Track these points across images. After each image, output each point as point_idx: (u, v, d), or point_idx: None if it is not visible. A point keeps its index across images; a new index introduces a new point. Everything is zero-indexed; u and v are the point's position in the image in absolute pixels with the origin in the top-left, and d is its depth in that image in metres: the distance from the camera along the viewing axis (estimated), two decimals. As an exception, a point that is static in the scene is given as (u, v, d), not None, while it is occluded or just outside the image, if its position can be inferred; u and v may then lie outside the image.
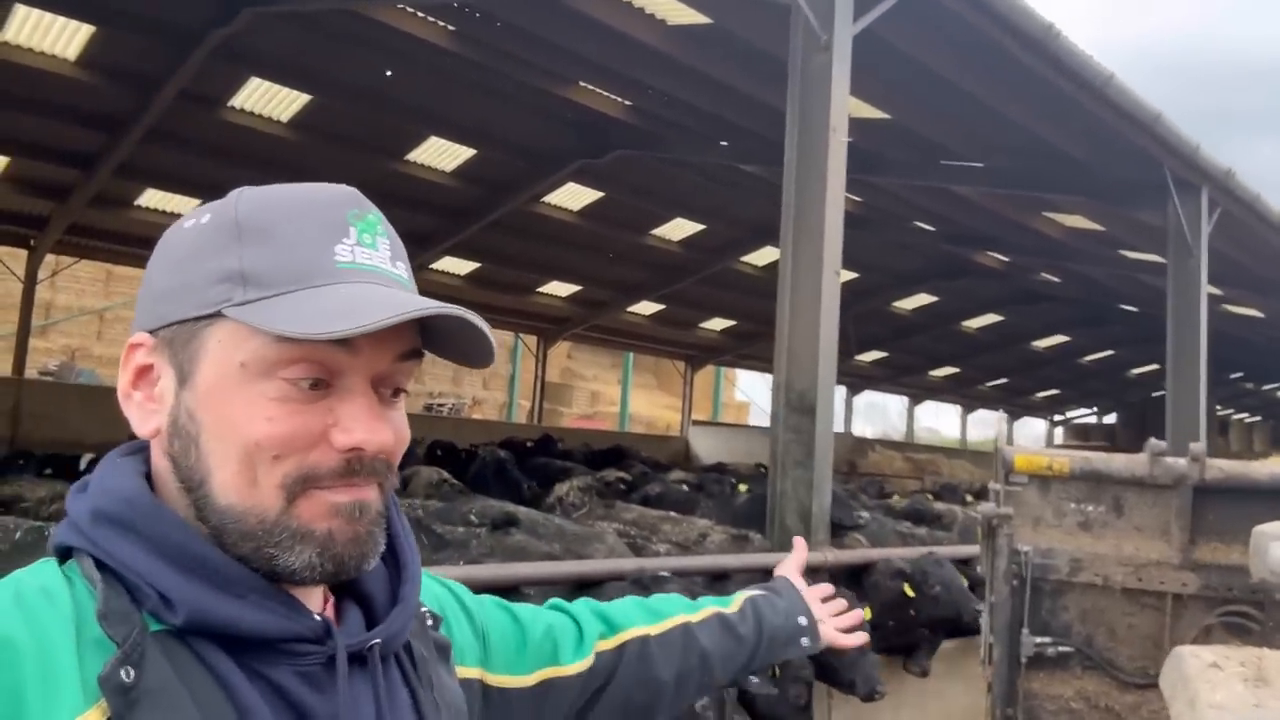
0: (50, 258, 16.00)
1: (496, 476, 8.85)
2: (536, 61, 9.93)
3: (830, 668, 4.26)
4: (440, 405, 25.12)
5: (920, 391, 31.08)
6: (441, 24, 9.46)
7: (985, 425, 36.46)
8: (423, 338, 0.87)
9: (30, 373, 17.11)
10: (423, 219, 15.09)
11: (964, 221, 14.23)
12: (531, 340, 22.58)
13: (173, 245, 0.85)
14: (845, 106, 5.18)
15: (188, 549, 0.77)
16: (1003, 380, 29.53)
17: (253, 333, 0.78)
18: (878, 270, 18.37)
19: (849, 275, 18.58)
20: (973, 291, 19.61)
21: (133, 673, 0.69)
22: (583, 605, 1.28)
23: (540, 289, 19.40)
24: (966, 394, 31.21)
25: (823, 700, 5.01)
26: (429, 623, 0.97)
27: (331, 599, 0.89)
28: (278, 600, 0.79)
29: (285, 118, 11.82)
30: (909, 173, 11.25)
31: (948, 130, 10.04)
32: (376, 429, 0.80)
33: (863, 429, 37.61)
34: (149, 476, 0.83)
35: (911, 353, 25.38)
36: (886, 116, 9.74)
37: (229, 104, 11.33)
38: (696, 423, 24.80)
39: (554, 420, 24.58)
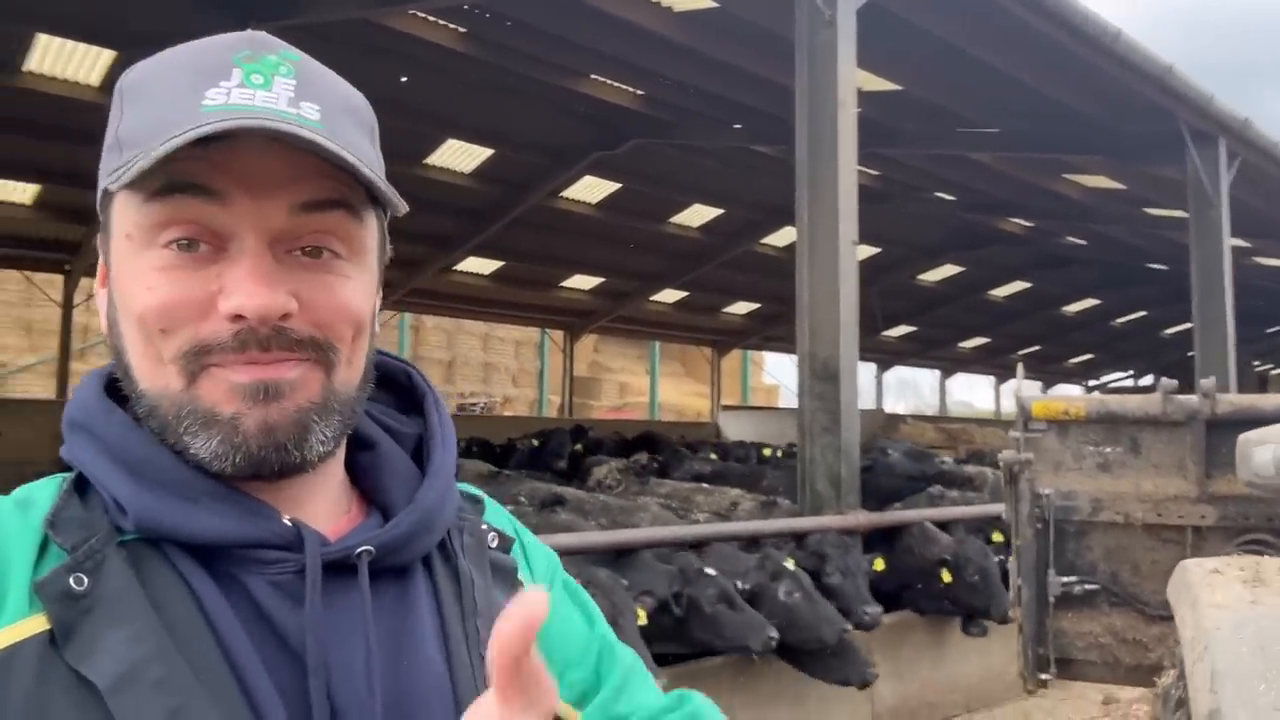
0: (86, 281, 16.40)
1: (532, 464, 9.03)
2: (547, 57, 10.07)
3: (823, 665, 4.31)
4: (472, 404, 25.41)
5: (951, 364, 30.88)
6: (452, 27, 9.62)
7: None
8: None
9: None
10: (444, 221, 15.30)
11: (984, 189, 14.18)
12: (558, 335, 22.80)
13: None
14: (853, 81, 5.28)
15: (134, 450, 0.73)
16: (1035, 348, 29.25)
17: (128, 199, 0.72)
18: (900, 243, 18.31)
19: (870, 250, 18.53)
20: (998, 259, 19.49)
21: (85, 580, 0.66)
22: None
23: (563, 283, 19.57)
24: (998, 364, 30.95)
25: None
26: (493, 543, 0.87)
27: (355, 506, 0.83)
28: (232, 503, 0.73)
29: (305, 130, 12.04)
30: (924, 142, 11.27)
31: (960, 97, 10.05)
32: (257, 292, 0.70)
33: (894, 405, 37.54)
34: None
35: (940, 325, 25.23)
36: (897, 87, 9.77)
37: (250, 119, 11.56)
38: (726, 408, 24.88)
39: (584, 413, 24.74)
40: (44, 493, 0.74)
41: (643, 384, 30.08)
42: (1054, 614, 3.29)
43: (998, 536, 4.86)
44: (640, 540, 3.81)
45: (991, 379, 33.45)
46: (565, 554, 3.80)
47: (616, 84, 11.03)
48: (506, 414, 24.26)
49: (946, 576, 4.86)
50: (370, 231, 0.79)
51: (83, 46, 9.61)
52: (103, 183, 0.73)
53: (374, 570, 0.76)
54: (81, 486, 0.74)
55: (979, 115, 10.49)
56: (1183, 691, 1.80)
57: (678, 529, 4.18)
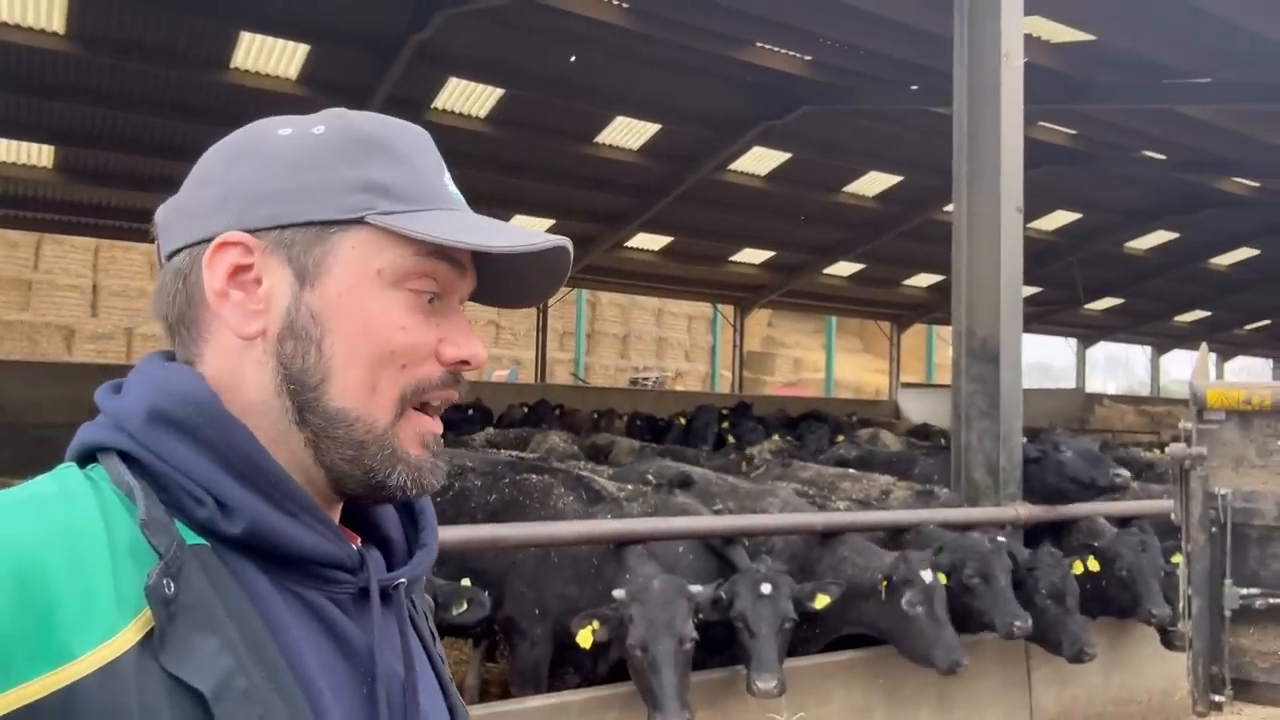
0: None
1: (684, 442, 8.99)
2: (711, 28, 9.91)
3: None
4: (644, 379, 25.71)
5: (1165, 340, 28.30)
6: (616, 3, 9.64)
7: (1249, 374, 32.71)
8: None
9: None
10: (614, 198, 15.48)
11: (1199, 146, 12.78)
12: (729, 310, 22.62)
13: (278, 149, 0.83)
14: (1019, 28, 4.80)
15: (259, 463, 0.76)
16: (1265, 322, 26.29)
17: (391, 242, 0.80)
18: (1104, 208, 16.87)
19: (1070, 216, 17.19)
20: (1219, 224, 17.59)
21: (173, 585, 0.68)
22: None
23: (733, 257, 19.36)
24: (1222, 340, 28.03)
25: (1021, 662, 4.75)
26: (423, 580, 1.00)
27: (358, 539, 0.89)
28: (326, 524, 0.79)
29: (483, 113, 12.48)
30: (1125, 96, 10.23)
31: (1164, 45, 9.03)
32: (477, 345, 0.85)
33: (1103, 384, 34.72)
34: None
35: (1151, 297, 23.15)
36: (1090, 37, 8.89)
37: (432, 105, 12.10)
38: (906, 385, 23.89)
39: (756, 389, 24.51)
40: (78, 486, 0.73)
41: (818, 360, 29.43)
42: (1231, 629, 2.88)
43: (1177, 558, 4.36)
44: (763, 527, 3.66)
45: (1214, 356, 30.30)
46: (680, 539, 3.73)
47: (783, 50, 10.72)
48: (678, 389, 24.38)
49: (1093, 564, 4.40)
50: None
51: (281, 42, 10.34)
52: (352, 211, 0.79)
53: (381, 596, 0.85)
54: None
55: (1188, 64, 9.39)
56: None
57: (803, 517, 3.96)
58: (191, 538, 0.72)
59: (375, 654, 0.78)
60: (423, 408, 0.83)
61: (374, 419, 0.80)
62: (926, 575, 3.65)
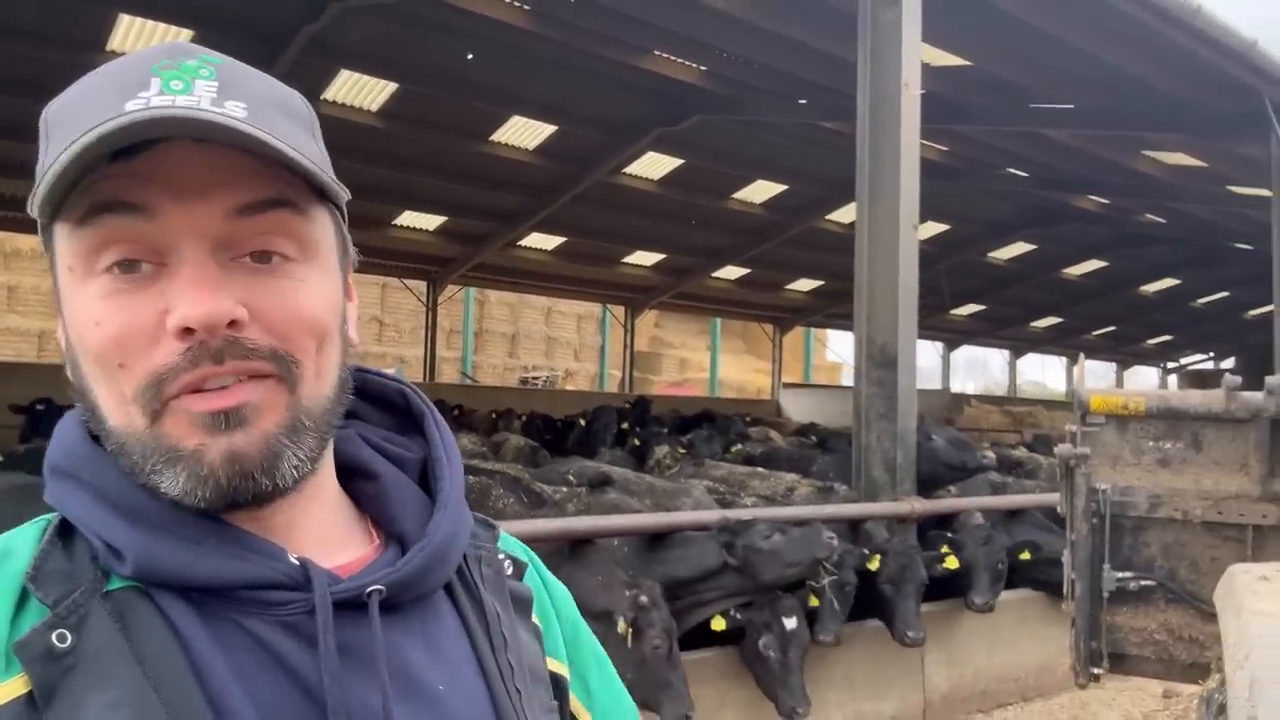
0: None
1: (585, 441, 9.14)
2: (611, 34, 10.06)
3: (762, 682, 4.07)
4: (534, 379, 25.72)
5: (1022, 344, 30.21)
6: (517, 4, 9.67)
7: (1095, 376, 35.28)
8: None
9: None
10: (509, 197, 15.45)
11: (1058, 165, 13.79)
12: (619, 310, 22.90)
13: None
14: (918, 61, 5.18)
15: (131, 497, 0.69)
16: (1110, 328, 28.44)
17: (62, 230, 0.68)
18: (970, 221, 17.92)
19: (939, 227, 18.18)
20: (1072, 237, 18.95)
21: (69, 637, 0.63)
22: None
23: (625, 259, 19.62)
24: (1071, 344, 30.14)
25: (916, 655, 5.13)
26: (508, 570, 0.85)
27: (375, 537, 0.80)
28: (239, 544, 0.70)
29: (375, 107, 12.25)
30: (995, 118, 10.98)
31: (1033, 73, 9.77)
32: (199, 299, 0.66)
33: (964, 385, 36.87)
34: None
35: (1011, 304, 24.67)
36: (966, 63, 9.54)
37: (322, 97, 11.79)
38: (787, 385, 24.74)
39: (644, 388, 24.85)
40: (23, 541, 0.70)
41: (703, 360, 30.07)
42: (1108, 609, 3.25)
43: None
44: (681, 524, 3.86)
45: (1064, 360, 32.62)
46: (612, 536, 3.89)
47: (679, 60, 10.98)
48: (568, 388, 24.51)
49: (946, 550, 4.85)
50: (322, 229, 0.73)
51: (163, 26, 9.89)
52: (34, 214, 0.69)
53: (397, 603, 0.74)
54: (64, 535, 0.70)
55: (1053, 91, 10.18)
56: (1225, 698, 1.79)
57: (718, 514, 4.20)
58: (119, 582, 0.68)
59: (329, 682, 0.67)
60: (190, 395, 0.68)
61: (136, 429, 0.68)
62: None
